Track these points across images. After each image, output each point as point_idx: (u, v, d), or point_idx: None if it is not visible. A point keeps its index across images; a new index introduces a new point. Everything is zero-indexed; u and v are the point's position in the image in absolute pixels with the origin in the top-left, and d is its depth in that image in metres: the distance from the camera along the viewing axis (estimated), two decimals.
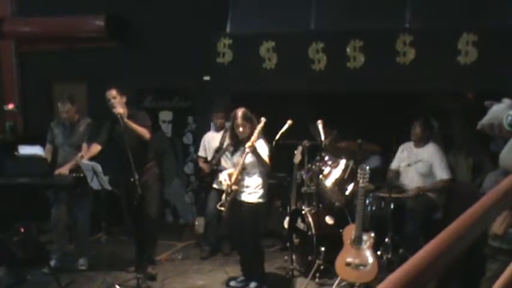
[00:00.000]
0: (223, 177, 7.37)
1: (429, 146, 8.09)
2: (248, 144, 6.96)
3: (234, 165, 7.37)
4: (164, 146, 10.80)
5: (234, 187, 7.13)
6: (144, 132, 7.67)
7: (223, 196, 7.32)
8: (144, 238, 8.07)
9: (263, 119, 7.08)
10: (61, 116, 8.31)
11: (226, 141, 8.68)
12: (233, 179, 7.15)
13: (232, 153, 7.48)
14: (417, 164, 8.04)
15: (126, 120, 7.48)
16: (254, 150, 6.99)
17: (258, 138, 6.99)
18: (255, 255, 7.49)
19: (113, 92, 7.71)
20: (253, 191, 7.19)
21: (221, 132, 8.95)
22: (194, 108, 10.68)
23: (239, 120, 7.17)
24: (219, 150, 8.83)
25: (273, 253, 8.96)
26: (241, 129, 7.18)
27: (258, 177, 7.20)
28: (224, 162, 8.76)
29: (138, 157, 7.43)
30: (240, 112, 7.19)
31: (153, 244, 8.29)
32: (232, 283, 7.69)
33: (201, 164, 9.14)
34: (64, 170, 7.98)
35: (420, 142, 8.11)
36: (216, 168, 8.83)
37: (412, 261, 1.42)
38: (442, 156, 8.03)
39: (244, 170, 7.15)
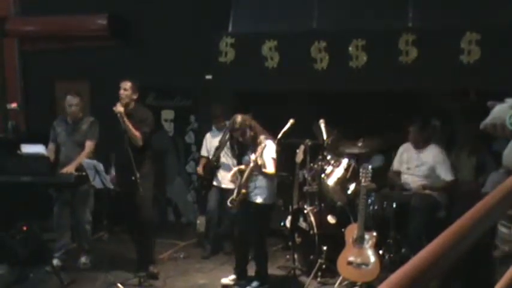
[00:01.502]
0: (233, 172, 7.41)
1: (430, 148, 8.04)
2: (252, 158, 7.01)
3: (245, 163, 7.40)
4: (165, 145, 10.81)
5: (243, 190, 7.16)
6: (137, 138, 7.60)
7: (235, 192, 7.34)
8: (140, 237, 8.07)
9: (269, 141, 7.09)
10: (68, 110, 8.27)
11: (227, 139, 8.69)
12: (243, 180, 7.17)
13: (239, 156, 7.50)
14: (419, 167, 8.00)
15: (125, 119, 7.47)
16: (258, 168, 7.04)
17: (261, 154, 7.00)
18: (258, 255, 7.52)
19: (127, 84, 7.73)
20: (259, 192, 7.22)
21: (222, 131, 8.94)
22: (196, 107, 10.67)
23: (237, 132, 7.23)
24: (219, 148, 8.84)
25: (275, 252, 8.96)
26: (241, 138, 7.24)
27: (265, 179, 7.21)
28: (224, 159, 8.76)
29: (135, 156, 7.42)
30: (235, 123, 7.22)
31: (150, 243, 8.26)
32: (223, 280, 7.71)
33: (199, 168, 9.13)
34: (71, 168, 7.97)
35: (420, 145, 8.07)
36: (216, 165, 8.82)
37: (414, 261, 1.42)
38: (445, 158, 8.00)
39: (253, 172, 7.17)
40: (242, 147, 7.42)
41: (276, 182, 7.41)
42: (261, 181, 7.22)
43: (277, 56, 8.89)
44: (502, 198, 1.99)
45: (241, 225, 7.54)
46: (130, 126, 7.52)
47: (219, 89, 9.70)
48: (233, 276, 7.70)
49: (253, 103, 7.57)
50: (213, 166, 8.86)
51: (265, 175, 7.17)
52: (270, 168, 7.13)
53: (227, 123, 8.83)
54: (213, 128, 9.11)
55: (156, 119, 8.62)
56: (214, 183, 8.86)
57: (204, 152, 9.17)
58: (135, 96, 7.83)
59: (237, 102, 9.52)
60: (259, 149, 6.98)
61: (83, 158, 7.92)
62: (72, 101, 8.23)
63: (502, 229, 5.11)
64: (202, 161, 9.15)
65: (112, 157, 9.16)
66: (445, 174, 7.93)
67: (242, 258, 7.68)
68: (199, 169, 9.13)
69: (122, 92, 7.70)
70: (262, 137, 7.07)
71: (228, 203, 7.46)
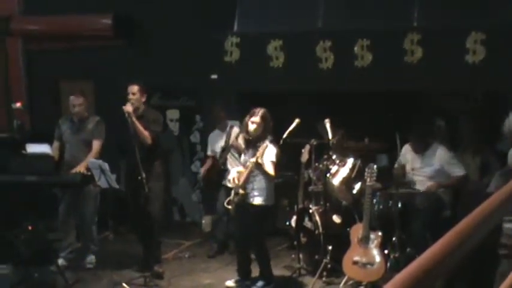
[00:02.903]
0: (232, 175, 7.39)
1: (434, 148, 7.99)
2: (252, 160, 6.99)
3: (243, 163, 7.40)
4: (171, 145, 10.80)
5: (241, 191, 7.15)
6: (146, 137, 7.63)
7: (232, 194, 7.34)
8: (148, 237, 8.08)
9: (267, 141, 7.07)
10: (72, 110, 8.28)
11: (232, 140, 8.66)
12: (241, 181, 7.16)
13: (244, 153, 7.48)
14: (424, 168, 7.96)
15: (134, 119, 7.48)
16: (259, 166, 7.04)
17: (262, 155, 6.98)
18: (259, 255, 7.51)
19: (135, 88, 7.76)
20: (259, 193, 7.20)
21: (226, 131, 8.90)
22: (201, 106, 10.66)
23: (257, 118, 7.14)
24: (224, 150, 8.81)
25: (280, 252, 8.95)
26: (255, 126, 7.15)
27: (263, 180, 7.20)
28: (231, 160, 8.75)
29: (145, 156, 7.44)
30: (260, 111, 7.18)
31: (157, 243, 8.26)
32: (228, 283, 7.71)
33: (203, 168, 9.11)
34: (81, 168, 7.96)
35: (421, 150, 8.02)
36: (222, 168, 8.80)
37: (419, 261, 1.42)
38: (451, 155, 7.96)
39: (251, 173, 7.16)
40: (247, 143, 7.39)
41: (273, 184, 7.40)
42: (259, 182, 7.19)
43: (282, 55, 8.90)
44: (506, 198, 1.99)
45: (241, 226, 7.53)
46: (139, 126, 7.54)
47: (224, 88, 9.70)
48: (237, 278, 7.70)
49: (258, 103, 7.55)
50: (220, 169, 8.84)
51: (265, 175, 7.15)
52: (270, 170, 7.12)
53: (229, 122, 8.82)
54: (217, 128, 9.07)
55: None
56: (224, 182, 8.83)
57: (209, 152, 9.15)
58: (143, 99, 7.88)
59: (241, 102, 9.51)
60: (260, 149, 6.96)
61: (92, 158, 7.93)
62: (75, 102, 8.21)
63: (509, 225, 5.10)
64: (209, 161, 9.12)
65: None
66: (456, 171, 7.87)
67: (244, 259, 7.67)
68: (203, 169, 9.10)
69: (130, 96, 7.73)
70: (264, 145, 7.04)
71: (225, 204, 7.46)
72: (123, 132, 7.74)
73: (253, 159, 6.98)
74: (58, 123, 8.43)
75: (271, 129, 7.25)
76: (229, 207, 7.35)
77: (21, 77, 11.70)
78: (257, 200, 7.21)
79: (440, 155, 7.93)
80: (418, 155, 8.04)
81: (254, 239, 7.41)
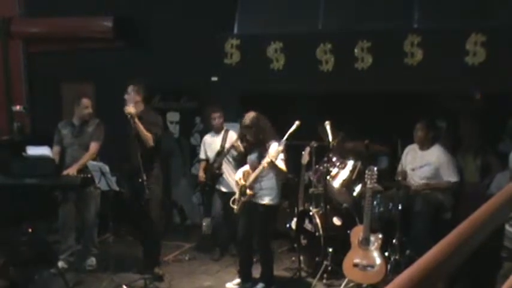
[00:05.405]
0: (238, 175, 7.39)
1: (435, 148, 8.02)
2: (267, 160, 6.97)
3: (249, 163, 7.38)
4: (171, 147, 10.80)
5: (248, 191, 7.15)
6: (149, 139, 7.62)
7: (237, 193, 7.34)
8: (147, 239, 8.08)
9: (282, 142, 7.05)
10: (84, 111, 8.27)
11: (227, 144, 8.66)
12: (249, 182, 7.16)
13: (249, 154, 7.48)
14: (423, 168, 7.98)
15: (136, 120, 7.46)
16: (273, 166, 7.03)
17: (276, 157, 6.96)
18: (264, 256, 7.51)
19: (130, 87, 7.75)
20: (266, 193, 7.21)
21: (221, 134, 8.90)
22: (201, 109, 10.65)
23: (244, 129, 7.22)
24: (220, 154, 8.79)
25: (280, 254, 8.94)
26: (247, 136, 7.22)
27: (272, 179, 7.20)
28: (226, 164, 8.73)
29: (145, 158, 7.43)
30: (245, 120, 7.21)
31: (157, 245, 8.24)
32: (228, 285, 7.70)
33: (200, 173, 9.12)
34: (72, 170, 7.99)
35: (424, 145, 8.04)
36: (217, 173, 8.78)
37: (419, 263, 1.41)
38: (449, 158, 7.98)
39: (260, 173, 7.15)
40: (250, 146, 7.40)
41: (281, 184, 7.40)
42: (268, 182, 7.20)
43: (282, 57, 8.88)
44: (507, 199, 1.98)
45: (244, 227, 7.52)
46: (141, 127, 7.53)
47: (225, 90, 9.69)
48: (238, 280, 7.69)
49: (259, 105, 7.55)
50: (214, 173, 8.81)
51: (278, 174, 7.15)
52: (283, 167, 7.13)
53: (225, 126, 8.82)
54: (212, 131, 9.06)
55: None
56: (217, 187, 8.82)
57: (203, 155, 9.13)
58: (138, 98, 7.80)
59: (242, 104, 9.50)
60: (274, 153, 6.93)
61: (86, 160, 7.96)
62: (89, 103, 8.28)
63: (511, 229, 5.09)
64: (202, 165, 9.12)
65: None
66: (449, 175, 7.90)
67: (246, 261, 7.67)
68: (201, 174, 9.10)
69: (125, 97, 7.72)
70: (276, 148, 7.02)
71: (231, 203, 7.45)
72: (123, 134, 7.77)
73: (268, 159, 6.96)
74: (57, 128, 8.42)
75: (269, 127, 7.25)
76: (235, 206, 7.34)
77: (21, 79, 11.70)
78: (266, 200, 7.21)
79: (438, 155, 7.95)
80: (418, 154, 8.05)
81: (260, 238, 7.41)
